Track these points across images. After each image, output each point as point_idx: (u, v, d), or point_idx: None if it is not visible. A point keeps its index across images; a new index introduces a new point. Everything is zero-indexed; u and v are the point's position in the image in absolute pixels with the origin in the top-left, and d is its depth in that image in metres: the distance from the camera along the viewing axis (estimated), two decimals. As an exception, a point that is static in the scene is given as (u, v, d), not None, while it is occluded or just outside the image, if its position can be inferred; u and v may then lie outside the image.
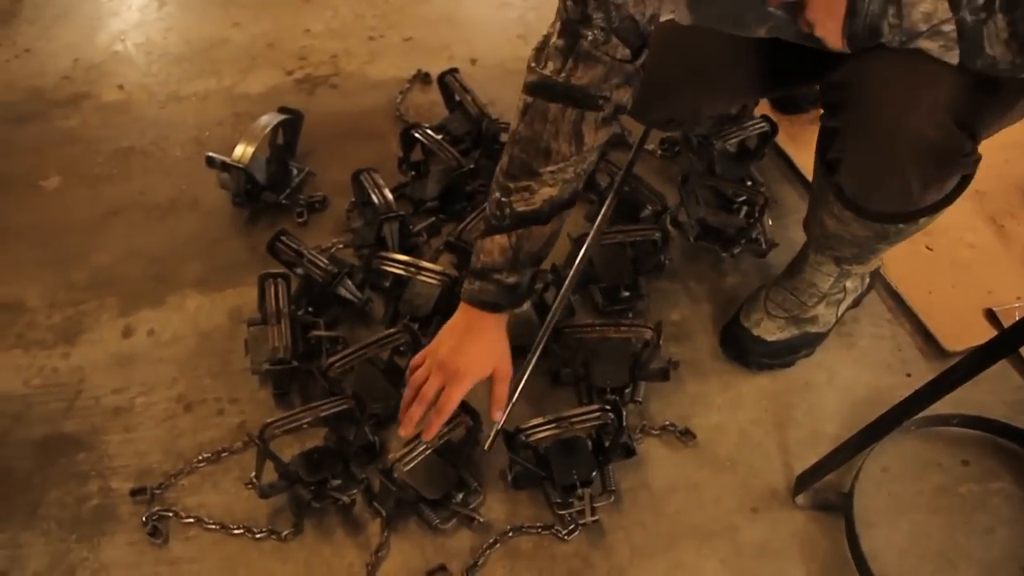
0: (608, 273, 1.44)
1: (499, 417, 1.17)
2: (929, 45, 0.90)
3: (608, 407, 1.19)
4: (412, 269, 1.38)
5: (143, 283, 1.54)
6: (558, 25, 1.04)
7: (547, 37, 1.05)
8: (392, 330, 1.30)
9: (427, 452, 1.16)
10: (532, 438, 1.18)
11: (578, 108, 1.06)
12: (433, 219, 1.57)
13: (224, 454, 1.29)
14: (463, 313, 1.19)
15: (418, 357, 1.19)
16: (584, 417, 1.18)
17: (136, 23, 2.13)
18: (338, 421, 1.23)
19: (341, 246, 1.55)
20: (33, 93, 1.94)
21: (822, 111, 1.12)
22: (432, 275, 1.38)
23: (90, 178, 1.74)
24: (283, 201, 1.61)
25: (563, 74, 1.03)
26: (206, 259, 1.57)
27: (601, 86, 1.05)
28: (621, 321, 1.31)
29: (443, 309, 1.39)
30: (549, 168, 1.08)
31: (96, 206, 1.68)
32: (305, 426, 1.19)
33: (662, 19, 1.12)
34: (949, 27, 0.87)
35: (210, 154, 1.57)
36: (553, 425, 1.18)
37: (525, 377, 1.22)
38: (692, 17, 1.01)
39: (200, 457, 1.28)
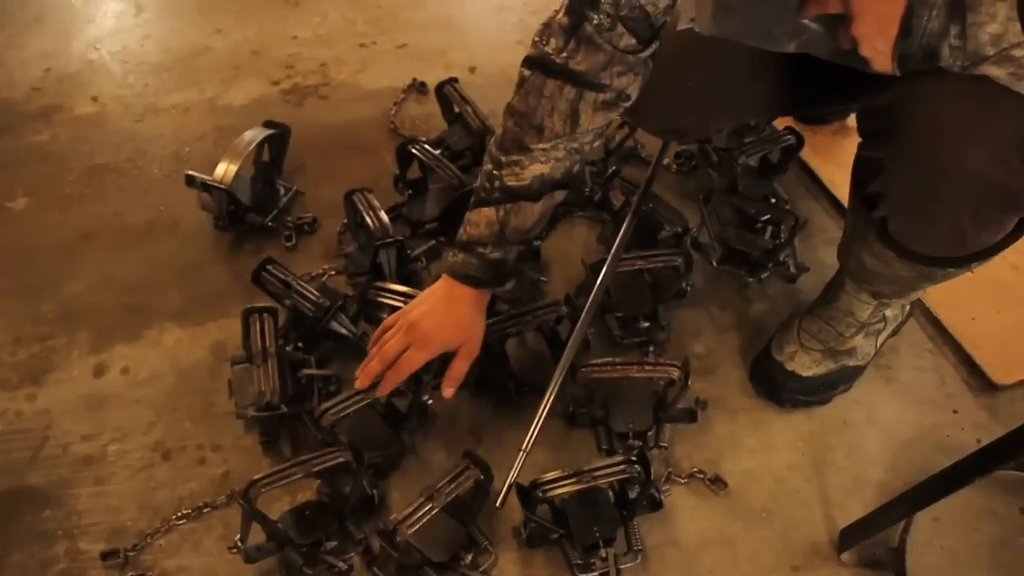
0: (625, 302, 1.32)
1: (449, 395, 1.13)
2: (996, 72, 0.78)
3: (634, 458, 1.07)
4: (409, 298, 1.25)
5: (117, 314, 1.41)
6: (566, 2, 0.99)
7: (555, 13, 1.00)
8: (391, 371, 1.17)
9: (433, 511, 1.04)
10: (549, 494, 1.06)
11: (577, 87, 1.01)
12: (432, 242, 1.44)
13: (206, 509, 1.16)
14: (443, 282, 1.13)
15: (391, 318, 1.15)
16: (607, 471, 1.06)
17: (112, 30, 2.00)
18: (333, 473, 1.11)
19: (333, 273, 1.43)
20: (1, 105, 1.81)
21: (860, 138, 1.00)
22: (433, 307, 1.25)
23: (61, 198, 1.61)
24: (269, 224, 1.49)
25: (563, 54, 0.99)
26: (186, 287, 1.44)
27: (600, 74, 1.00)
28: (644, 359, 1.19)
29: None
30: (541, 145, 1.05)
31: (67, 229, 1.55)
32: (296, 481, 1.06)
33: (680, 27, 1.01)
34: (1021, 52, 0.75)
35: (190, 172, 1.45)
36: (572, 480, 1.06)
37: (540, 420, 1.10)
38: (715, 28, 0.89)
39: (179, 513, 1.16)
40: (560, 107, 1.02)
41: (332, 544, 1.08)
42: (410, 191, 1.50)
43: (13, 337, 1.39)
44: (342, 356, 1.31)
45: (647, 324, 1.32)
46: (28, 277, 1.48)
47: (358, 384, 1.11)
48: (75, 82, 1.86)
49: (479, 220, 1.10)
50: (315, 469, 1.06)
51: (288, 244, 1.48)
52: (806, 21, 0.84)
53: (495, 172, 1.08)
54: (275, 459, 1.21)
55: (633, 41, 0.97)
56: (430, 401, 1.18)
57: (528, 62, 1.04)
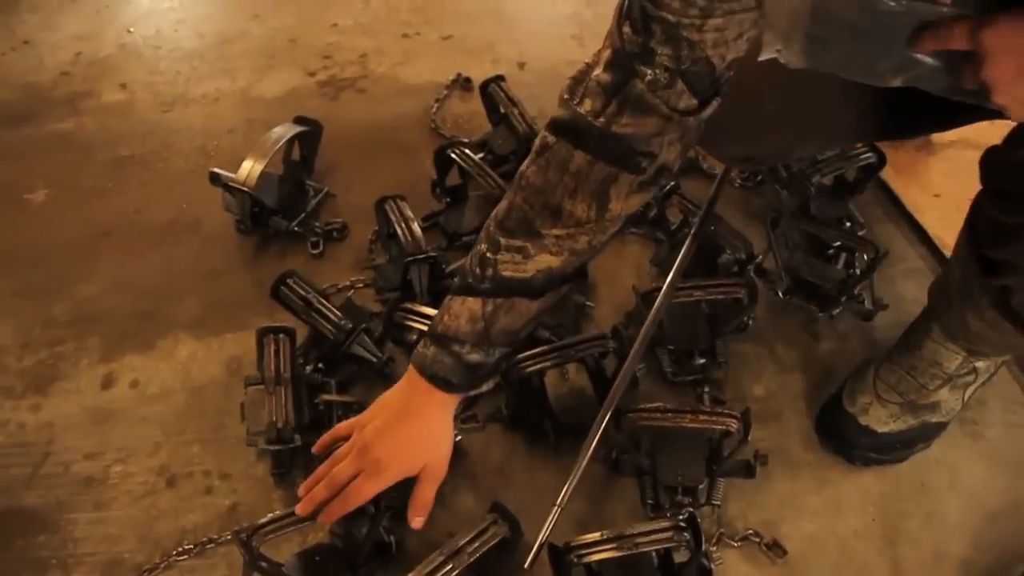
0: (680, 335, 1.19)
1: (418, 524, 0.99)
2: None
3: (682, 522, 0.94)
4: (443, 324, 1.14)
5: (131, 321, 1.32)
6: (607, 54, 0.80)
7: (589, 67, 0.82)
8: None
9: (456, 572, 0.92)
10: (585, 559, 0.93)
11: (614, 165, 0.82)
12: (470, 257, 1.32)
13: (209, 545, 1.07)
14: (405, 385, 0.98)
15: (344, 425, 1.02)
16: (652, 537, 0.94)
17: (146, 12, 1.91)
18: (347, 516, 1.00)
19: (361, 286, 1.32)
20: (28, 91, 1.73)
21: (983, 189, 0.85)
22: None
23: (81, 192, 1.53)
24: (296, 228, 1.38)
25: (602, 118, 0.80)
26: (204, 295, 1.34)
27: (651, 140, 0.82)
28: (699, 408, 1.06)
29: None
30: (555, 231, 0.86)
31: (85, 225, 1.47)
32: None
33: (762, 58, 0.86)
34: None
35: (214, 170, 1.35)
36: (612, 545, 0.93)
37: (579, 472, 0.99)
38: (806, 62, 0.73)
39: (181, 548, 1.06)
40: (587, 187, 0.83)
41: (341, 598, 0.97)
42: (448, 199, 1.38)
43: (22, 341, 1.31)
44: (365, 380, 1.20)
45: (703, 361, 1.19)
46: (42, 276, 1.40)
47: (299, 510, 0.96)
48: (105, 67, 1.77)
49: (460, 312, 0.92)
50: (323, 521, 0.95)
51: (315, 252, 1.37)
52: (919, 56, 0.69)
53: (489, 256, 0.89)
54: (287, 493, 1.10)
55: (694, 101, 0.79)
56: (390, 538, 1.03)
57: (554, 126, 0.84)
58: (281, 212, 1.38)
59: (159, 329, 1.31)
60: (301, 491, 0.98)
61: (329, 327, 1.14)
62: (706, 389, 1.17)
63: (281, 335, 1.11)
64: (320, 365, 1.18)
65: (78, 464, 1.16)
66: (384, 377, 1.19)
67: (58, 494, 1.13)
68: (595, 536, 0.95)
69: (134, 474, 1.15)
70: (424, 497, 0.98)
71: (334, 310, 1.16)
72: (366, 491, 0.95)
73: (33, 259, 1.42)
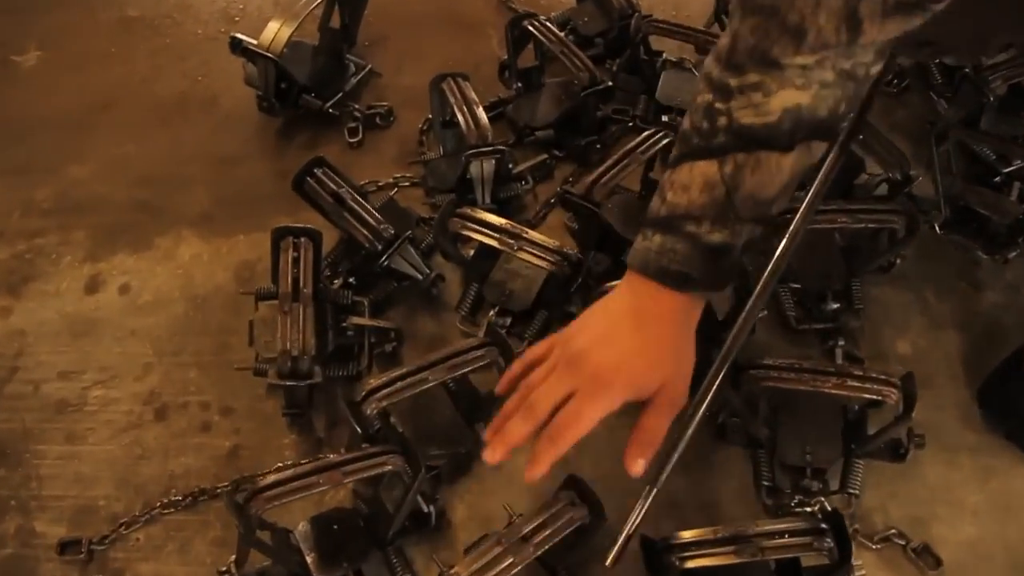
0: (808, 271, 0.93)
1: (638, 471, 0.69)
2: None
3: (822, 523, 0.70)
4: (509, 238, 0.89)
5: (125, 213, 1.09)
6: None
7: None
8: (470, 341, 0.82)
9: (515, 570, 0.69)
10: (689, 562, 0.70)
11: None
12: (544, 157, 1.06)
13: (203, 498, 0.85)
14: (627, 289, 0.72)
15: (541, 346, 0.75)
16: (782, 541, 0.70)
17: None
18: (375, 478, 0.78)
19: (407, 184, 1.07)
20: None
21: None
22: (539, 251, 0.89)
23: (79, 56, 1.28)
24: (330, 110, 1.12)
25: None
26: (215, 186, 1.10)
27: None
28: (847, 369, 0.81)
29: (552, 303, 0.91)
30: (798, 59, 0.63)
31: (81, 96, 1.23)
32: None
33: None
34: None
35: (236, 35, 1.10)
36: (728, 548, 0.70)
37: (683, 443, 0.74)
38: None
39: (167, 499, 0.85)
40: (830, 2, 0.61)
41: (364, 584, 0.75)
42: (520, 84, 1.11)
43: (-4, 228, 1.08)
44: (406, 302, 0.96)
45: (835, 306, 0.93)
46: (25, 153, 1.17)
47: (490, 456, 0.70)
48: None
49: (690, 180, 0.68)
50: (348, 481, 0.72)
51: (352, 140, 1.12)
52: None
53: (719, 105, 0.67)
54: (301, 439, 0.88)
55: None
56: (430, 507, 0.81)
57: None
58: (314, 90, 1.12)
59: (158, 224, 1.07)
60: (488, 434, 0.72)
61: (365, 232, 0.89)
62: (840, 342, 0.92)
63: (303, 238, 0.86)
64: (351, 280, 0.94)
65: (50, 384, 0.95)
66: (430, 299, 0.95)
67: (24, 420, 0.92)
68: (705, 533, 0.71)
69: (117, 401, 0.93)
70: (654, 430, 0.70)
71: (373, 211, 0.91)
72: (587, 416, 0.68)
73: (16, 132, 1.19)
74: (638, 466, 0.69)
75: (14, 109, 1.22)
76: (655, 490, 0.73)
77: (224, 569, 0.74)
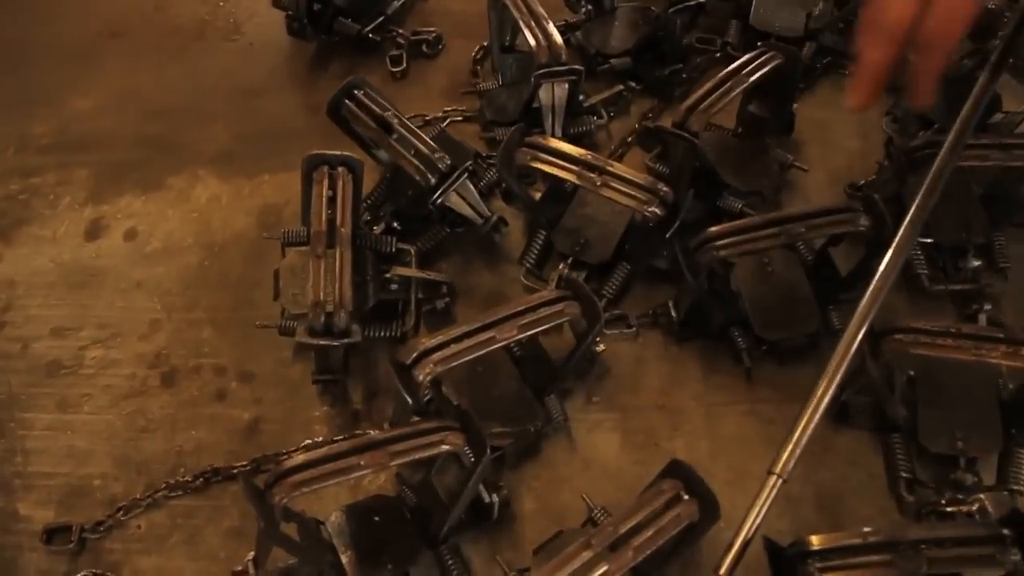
0: (945, 225, 0.77)
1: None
2: None
3: (1003, 529, 0.54)
4: (589, 171, 0.73)
5: (135, 150, 0.95)
6: None
7: None
8: (543, 294, 0.66)
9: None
10: (832, 572, 0.54)
11: None
12: (619, 88, 0.90)
13: (216, 480, 0.71)
14: None
15: None
16: (956, 552, 0.54)
17: None
18: (427, 462, 0.63)
19: (459, 118, 0.92)
20: None
21: None
22: (626, 188, 0.73)
23: (87, -23, 1.13)
24: (370, 36, 0.97)
25: None
26: (237, 120, 0.96)
27: None
28: (1018, 336, 0.65)
29: (636, 255, 0.76)
30: None
31: (88, 20, 1.08)
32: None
33: None
34: None
35: (262, -51, 0.94)
36: (883, 557, 0.54)
37: (816, 419, 0.59)
38: None
39: (175, 479, 0.71)
40: None
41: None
42: (590, 6, 0.95)
43: (-12, 165, 0.94)
44: (461, 252, 0.81)
45: (976, 264, 0.76)
46: (24, 83, 1.03)
47: (853, 97, 0.60)
48: None
49: None
50: (395, 464, 0.57)
51: (395, 70, 0.96)
52: None
53: None
54: (335, 410, 0.73)
55: None
56: (492, 497, 0.65)
57: None
58: (351, 13, 0.97)
59: (171, 163, 0.93)
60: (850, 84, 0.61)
61: (416, 163, 0.74)
62: (985, 306, 0.75)
63: (340, 168, 0.71)
64: (395, 226, 0.79)
65: (41, 342, 0.81)
66: (489, 248, 0.80)
67: (10, 383, 0.79)
68: (849, 538, 0.55)
69: (118, 363, 0.79)
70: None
71: (425, 138, 0.75)
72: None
73: (13, 60, 1.05)
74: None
75: (11, 34, 1.08)
76: (780, 481, 0.58)
77: (240, 569, 0.59)
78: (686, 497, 0.57)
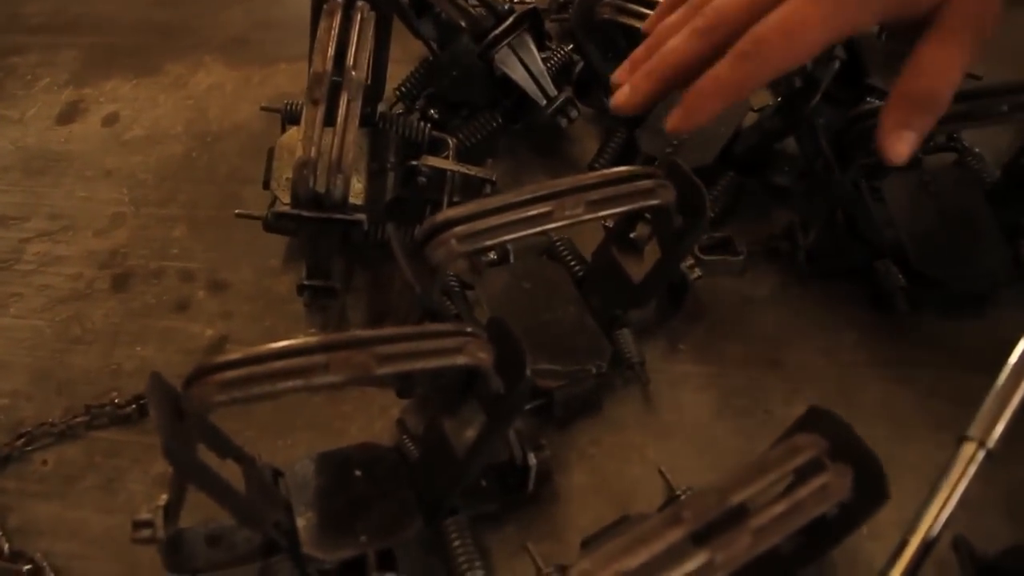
0: None
1: (902, 151, 0.43)
2: None
3: None
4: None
5: (134, 34, 0.79)
6: None
7: None
8: (628, 168, 0.46)
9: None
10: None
11: None
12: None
13: (157, 409, 0.51)
14: None
15: None
16: None
17: None
18: (441, 390, 0.43)
19: None
20: None
21: None
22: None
23: None
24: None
25: None
26: (260, 5, 0.80)
27: None
28: None
29: (749, 162, 0.56)
30: None
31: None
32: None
33: None
34: None
35: None
36: None
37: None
38: None
39: (103, 405, 0.52)
40: None
41: (394, 582, 0.40)
42: None
43: (-35, 40, 0.79)
44: (514, 149, 0.62)
45: None
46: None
47: (619, 97, 0.46)
48: None
49: None
50: (384, 372, 0.37)
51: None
52: None
53: None
54: (327, 333, 0.54)
55: None
56: (530, 458, 0.44)
57: None
58: None
59: (174, 48, 0.76)
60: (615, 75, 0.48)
61: (462, 3, 0.55)
62: None
63: (361, 3, 0.52)
64: (432, 113, 0.61)
65: (-17, 230, 0.64)
66: (550, 148, 0.61)
67: (-67, 273, 0.61)
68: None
69: (63, 260, 0.61)
70: (937, 72, 0.42)
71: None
72: (811, 26, 0.41)
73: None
74: (903, 142, 0.42)
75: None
76: (984, 453, 0.37)
77: (144, 518, 0.40)
78: (833, 463, 0.36)
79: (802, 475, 0.35)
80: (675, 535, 0.32)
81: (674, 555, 0.32)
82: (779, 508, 0.34)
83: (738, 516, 0.34)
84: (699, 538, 0.33)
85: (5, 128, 0.71)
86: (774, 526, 0.33)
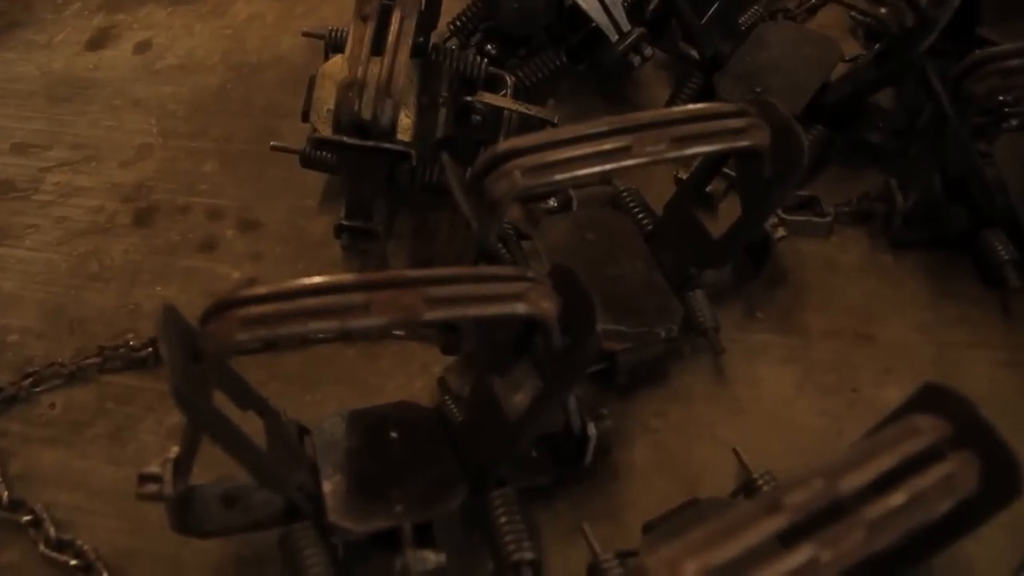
0: None
1: None
2: None
3: None
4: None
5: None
6: None
7: None
8: (722, 105, 0.40)
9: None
10: None
11: None
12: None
13: (176, 354, 0.47)
14: None
15: None
16: None
17: None
18: (489, 343, 0.38)
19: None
20: None
21: None
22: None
23: None
24: None
25: None
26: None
27: None
28: None
29: (844, 113, 0.50)
30: None
31: None
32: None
33: None
34: None
35: None
36: None
37: None
38: None
39: (117, 346, 0.47)
40: None
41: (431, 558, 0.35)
42: None
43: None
44: (577, 97, 0.57)
45: None
46: None
47: None
48: None
49: None
50: (430, 318, 0.32)
51: None
52: None
53: None
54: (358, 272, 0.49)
55: None
56: (590, 429, 0.39)
57: None
58: None
59: (215, -25, 0.71)
60: None
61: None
62: None
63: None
64: (490, 48, 0.55)
65: (5, 159, 0.59)
66: (617, 93, 0.55)
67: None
68: None
69: (84, 191, 0.57)
70: None
71: None
72: None
73: None
74: None
75: None
76: None
77: (152, 471, 0.35)
78: (956, 453, 0.30)
79: (916, 463, 0.30)
80: (773, 526, 0.27)
81: (770, 550, 0.27)
82: (897, 499, 0.28)
83: (846, 507, 0.28)
84: (799, 531, 0.27)
85: (32, 52, 0.67)
86: (891, 521, 0.28)
